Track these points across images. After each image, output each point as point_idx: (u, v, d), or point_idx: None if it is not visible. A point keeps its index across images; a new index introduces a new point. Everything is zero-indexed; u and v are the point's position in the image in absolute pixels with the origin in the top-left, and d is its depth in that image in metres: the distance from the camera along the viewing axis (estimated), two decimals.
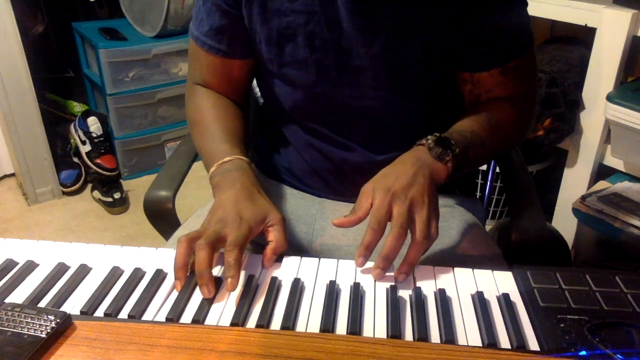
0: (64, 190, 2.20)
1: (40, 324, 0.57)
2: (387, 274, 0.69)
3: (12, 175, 2.29)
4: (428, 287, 0.67)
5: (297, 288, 0.66)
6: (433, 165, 0.74)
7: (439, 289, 0.66)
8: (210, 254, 0.66)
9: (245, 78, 0.93)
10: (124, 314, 0.62)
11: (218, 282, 0.67)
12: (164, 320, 0.61)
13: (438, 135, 0.76)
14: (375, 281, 0.68)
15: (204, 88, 0.92)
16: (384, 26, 0.79)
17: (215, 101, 0.91)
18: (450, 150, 0.75)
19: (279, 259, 0.73)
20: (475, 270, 0.70)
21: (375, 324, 0.61)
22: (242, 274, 0.69)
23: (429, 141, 0.76)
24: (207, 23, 0.86)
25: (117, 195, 2.11)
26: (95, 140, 2.24)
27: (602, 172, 1.58)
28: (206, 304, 0.63)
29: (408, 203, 0.69)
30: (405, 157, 0.76)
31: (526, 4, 0.83)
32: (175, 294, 0.65)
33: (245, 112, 0.97)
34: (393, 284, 0.67)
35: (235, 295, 0.65)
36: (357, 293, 0.65)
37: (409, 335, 0.60)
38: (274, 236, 0.73)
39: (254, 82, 1.05)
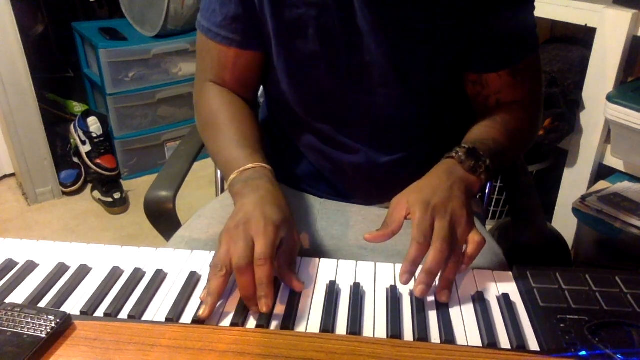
0: (64, 190, 2.20)
1: (40, 324, 0.57)
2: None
3: (12, 175, 2.29)
4: None
5: None
6: (466, 178, 0.73)
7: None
8: (252, 277, 0.62)
9: (258, 73, 0.90)
10: (124, 314, 0.62)
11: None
12: (164, 320, 0.61)
13: (467, 147, 0.75)
14: (375, 281, 0.68)
15: (216, 86, 0.89)
16: (396, 23, 0.78)
17: (230, 100, 0.87)
18: (482, 162, 0.74)
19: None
20: (475, 270, 0.70)
21: (375, 324, 0.61)
22: None
23: (460, 153, 0.74)
24: (220, 13, 0.83)
25: (117, 195, 2.11)
26: (95, 140, 2.24)
27: (602, 172, 1.58)
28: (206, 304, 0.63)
29: (449, 217, 0.67)
30: (437, 171, 0.74)
31: (534, 7, 0.82)
32: (175, 293, 0.65)
33: (256, 112, 0.95)
34: (393, 283, 0.67)
35: (235, 295, 0.65)
36: (357, 293, 0.65)
37: (409, 335, 0.60)
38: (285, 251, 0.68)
39: None
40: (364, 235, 0.68)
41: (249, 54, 0.86)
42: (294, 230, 0.70)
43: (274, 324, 0.61)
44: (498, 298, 0.66)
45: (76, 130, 2.28)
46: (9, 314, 0.58)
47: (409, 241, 0.68)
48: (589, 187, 1.58)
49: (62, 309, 0.63)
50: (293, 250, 0.69)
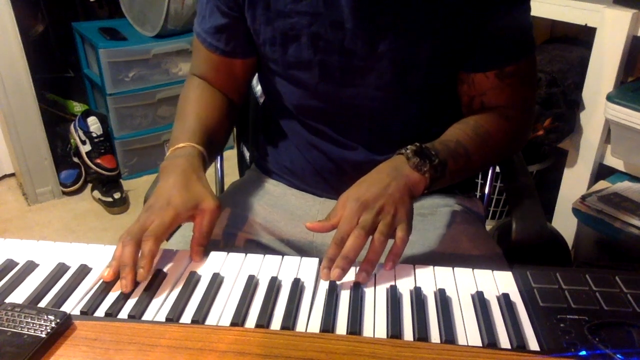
0: (64, 190, 2.20)
1: (40, 324, 0.57)
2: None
3: (12, 175, 2.29)
4: (428, 287, 0.67)
5: (297, 288, 0.66)
6: (410, 175, 0.74)
7: (439, 289, 0.66)
8: (135, 249, 0.68)
9: (242, 77, 0.94)
10: (124, 314, 0.62)
11: (219, 282, 0.67)
12: (164, 320, 0.61)
13: (418, 145, 0.76)
14: (375, 281, 0.68)
15: (199, 79, 0.93)
16: (389, 27, 0.79)
17: (202, 92, 0.91)
18: (428, 161, 0.75)
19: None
20: (475, 270, 0.70)
21: (375, 324, 0.61)
22: (242, 273, 0.69)
23: (408, 151, 0.76)
24: (208, 21, 0.87)
25: (117, 195, 2.11)
26: (95, 140, 2.24)
27: (602, 172, 1.58)
28: (206, 304, 0.63)
29: (376, 210, 0.69)
30: (382, 167, 0.76)
31: (529, 10, 0.82)
32: (175, 293, 0.65)
33: (243, 108, 0.96)
34: (393, 283, 0.67)
35: (234, 295, 0.65)
36: (357, 293, 0.65)
37: (409, 335, 0.60)
38: (197, 227, 0.73)
39: (255, 81, 1.06)
40: (305, 223, 0.73)
41: (233, 61, 0.90)
42: (206, 211, 0.73)
43: (274, 324, 0.61)
44: (498, 298, 0.66)
45: (76, 130, 2.28)
46: (9, 314, 0.58)
47: (410, 243, 0.68)
48: (589, 187, 1.58)
49: (62, 309, 0.63)
50: (202, 229, 0.73)
